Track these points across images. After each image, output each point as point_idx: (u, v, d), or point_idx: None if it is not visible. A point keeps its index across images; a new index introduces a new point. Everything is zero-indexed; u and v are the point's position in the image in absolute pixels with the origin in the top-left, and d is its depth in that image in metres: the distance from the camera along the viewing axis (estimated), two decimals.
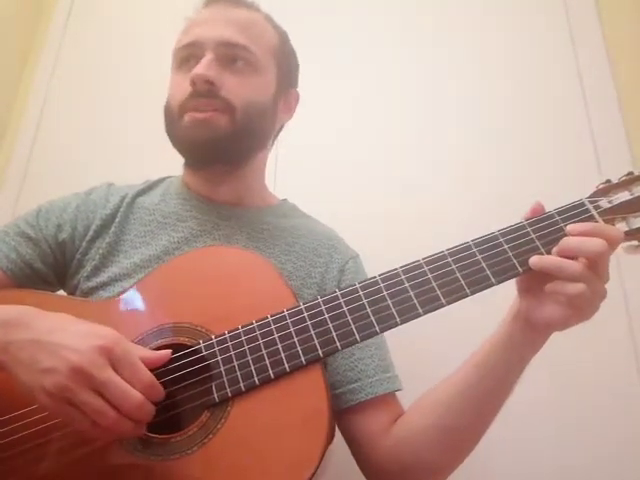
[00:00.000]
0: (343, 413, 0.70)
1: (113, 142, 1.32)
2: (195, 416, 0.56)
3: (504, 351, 0.60)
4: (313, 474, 0.52)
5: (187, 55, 0.76)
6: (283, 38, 0.84)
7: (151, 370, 0.53)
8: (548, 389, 0.91)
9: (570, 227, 0.57)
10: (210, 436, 0.54)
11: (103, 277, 0.72)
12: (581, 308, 0.54)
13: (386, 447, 0.66)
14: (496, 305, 0.64)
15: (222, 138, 0.72)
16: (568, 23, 1.19)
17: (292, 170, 1.17)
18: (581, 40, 1.16)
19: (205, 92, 0.72)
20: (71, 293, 0.75)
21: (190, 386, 0.57)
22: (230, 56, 0.74)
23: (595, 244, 0.54)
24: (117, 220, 0.76)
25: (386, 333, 0.60)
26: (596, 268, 0.54)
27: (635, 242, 0.62)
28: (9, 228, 0.75)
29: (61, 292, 0.77)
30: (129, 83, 1.34)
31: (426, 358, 0.95)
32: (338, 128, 1.22)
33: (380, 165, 1.17)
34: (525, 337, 0.59)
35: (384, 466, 0.66)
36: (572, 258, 0.55)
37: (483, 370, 0.61)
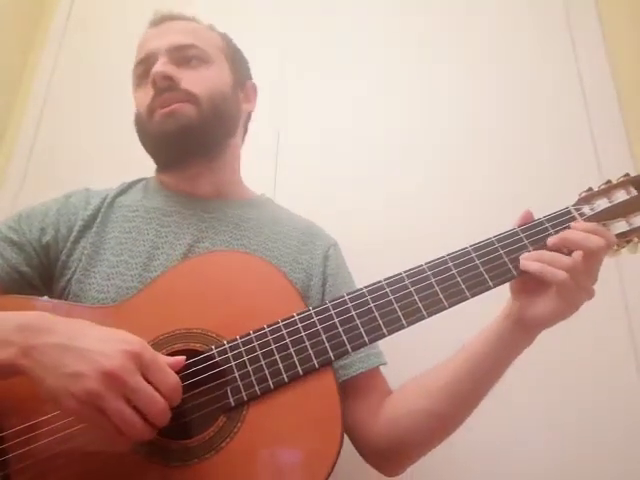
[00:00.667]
0: None
1: (113, 142, 1.30)
2: (211, 421, 0.57)
3: (493, 349, 0.65)
4: (329, 474, 0.54)
5: (143, 70, 0.81)
6: (226, 39, 0.89)
7: None
8: (547, 388, 0.94)
9: (575, 224, 0.63)
10: (227, 440, 0.55)
11: (94, 277, 0.71)
12: (566, 299, 0.60)
13: (377, 427, 0.71)
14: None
15: (192, 127, 0.76)
16: (568, 23, 1.20)
17: (292, 170, 1.17)
18: (581, 40, 1.18)
19: (166, 87, 0.76)
20: (58, 296, 0.74)
21: (205, 392, 0.58)
22: (183, 57, 0.79)
23: (597, 240, 0.59)
24: (98, 220, 0.77)
25: None
26: (589, 263, 0.59)
27: (615, 246, 0.68)
28: None
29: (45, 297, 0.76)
30: (129, 83, 1.29)
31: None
32: (337, 128, 1.23)
33: (380, 165, 1.17)
34: (513, 336, 0.64)
35: (375, 445, 0.71)
36: (567, 254, 0.60)
37: (471, 365, 0.66)
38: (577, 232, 0.61)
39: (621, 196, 0.68)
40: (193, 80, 0.78)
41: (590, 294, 0.62)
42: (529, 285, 0.63)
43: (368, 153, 1.20)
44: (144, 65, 0.81)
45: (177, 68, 0.78)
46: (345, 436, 0.71)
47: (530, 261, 0.61)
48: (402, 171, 1.16)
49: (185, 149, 0.78)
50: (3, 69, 1.48)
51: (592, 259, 0.60)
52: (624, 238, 0.67)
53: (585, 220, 0.66)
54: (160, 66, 0.77)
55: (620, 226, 0.67)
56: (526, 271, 0.61)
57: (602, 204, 0.68)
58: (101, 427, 0.50)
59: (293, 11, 1.30)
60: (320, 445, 0.55)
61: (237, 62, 0.88)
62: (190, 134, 0.76)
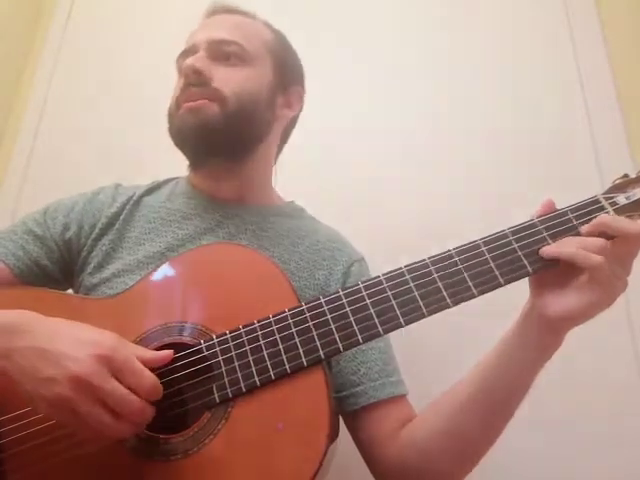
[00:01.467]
0: (349, 416, 0.69)
1: (113, 143, 1.32)
2: (196, 417, 0.55)
3: (517, 355, 0.58)
4: (315, 474, 0.51)
5: (183, 62, 0.77)
6: (279, 37, 0.84)
7: (152, 370, 0.53)
8: (546, 388, 0.89)
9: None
10: (210, 437, 0.54)
11: (106, 273, 0.72)
12: (601, 285, 0.52)
13: (394, 450, 0.65)
14: (503, 305, 0.63)
15: (214, 127, 0.73)
16: (568, 23, 1.19)
17: (292, 170, 1.15)
18: (581, 40, 1.17)
19: (196, 81, 0.74)
20: (77, 291, 0.75)
21: (191, 386, 0.57)
22: (222, 53, 0.76)
23: (634, 226, 0.53)
24: (122, 218, 0.77)
25: (392, 334, 0.58)
26: (625, 250, 0.53)
27: None
28: (17, 227, 0.76)
29: (69, 291, 0.78)
30: (129, 84, 1.33)
31: (431, 360, 0.95)
32: (339, 128, 1.22)
33: (381, 164, 1.16)
34: (540, 339, 0.57)
35: (392, 469, 0.66)
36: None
37: (495, 375, 0.60)
38: (612, 217, 0.55)
39: None
40: (225, 78, 0.75)
41: (625, 285, 0.54)
42: (551, 279, 0.56)
43: (368, 152, 1.18)
44: (185, 56, 0.78)
45: (212, 63, 0.75)
46: (344, 440, 0.69)
47: (555, 248, 0.54)
48: (403, 171, 1.14)
49: (204, 148, 0.75)
50: (3, 69, 1.51)
51: (628, 246, 0.53)
52: None
53: (620, 210, 0.58)
54: (193, 59, 0.74)
55: None
56: (554, 258, 0.54)
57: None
58: (78, 428, 0.51)
59: (293, 10, 1.29)
60: (306, 443, 0.52)
61: (284, 65, 0.83)
62: (209, 134, 0.73)
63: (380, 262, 0.63)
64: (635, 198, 0.59)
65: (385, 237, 1.05)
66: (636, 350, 0.92)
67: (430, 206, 1.10)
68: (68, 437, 0.53)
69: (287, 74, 0.83)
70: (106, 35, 1.51)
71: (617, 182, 0.62)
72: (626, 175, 0.62)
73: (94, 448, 0.52)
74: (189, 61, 0.74)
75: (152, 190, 0.83)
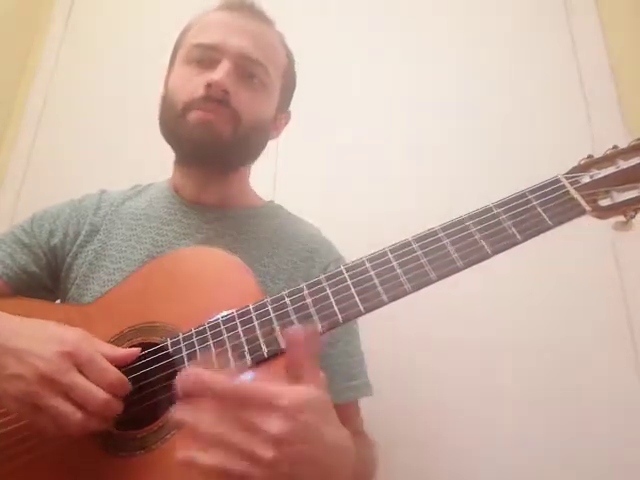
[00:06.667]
0: None
1: (113, 144, 1.34)
2: (161, 412, 0.56)
3: None
4: None
5: (203, 55, 0.75)
6: (290, 60, 0.85)
7: (119, 367, 0.55)
8: (546, 388, 0.87)
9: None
10: (174, 432, 0.54)
11: (93, 284, 0.74)
12: None
13: None
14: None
15: (223, 145, 0.73)
16: (568, 24, 1.20)
17: (292, 176, 1.20)
18: (581, 41, 1.19)
19: (219, 99, 0.72)
20: (64, 299, 0.77)
21: (156, 383, 0.58)
22: (248, 71, 0.75)
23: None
24: (104, 225, 0.79)
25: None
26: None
27: (622, 218, 0.58)
28: (6, 237, 0.79)
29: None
30: (129, 84, 1.35)
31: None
32: (337, 132, 1.24)
33: (380, 168, 1.17)
34: None
35: None
36: None
37: None
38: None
39: (633, 161, 0.59)
40: (245, 102, 0.74)
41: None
42: None
43: (368, 153, 1.19)
44: (207, 52, 0.75)
45: (236, 81, 0.74)
46: None
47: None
48: (402, 173, 1.15)
49: (208, 159, 0.76)
50: (3, 69, 1.53)
51: None
52: (633, 206, 0.57)
53: (582, 188, 0.58)
54: (223, 75, 0.72)
55: (630, 193, 0.58)
56: None
57: (606, 170, 0.59)
58: (42, 423, 0.52)
59: (293, 12, 1.31)
60: None
61: (288, 89, 0.85)
62: (219, 150, 0.74)
63: None
64: (599, 176, 0.59)
65: (383, 241, 1.05)
66: (636, 350, 0.89)
67: (429, 208, 1.06)
68: (35, 436, 0.54)
69: (286, 100, 0.85)
70: (106, 36, 1.55)
71: (582, 162, 0.62)
72: (590, 156, 0.62)
73: (62, 443, 0.53)
74: (219, 77, 0.72)
75: (133, 196, 0.85)
